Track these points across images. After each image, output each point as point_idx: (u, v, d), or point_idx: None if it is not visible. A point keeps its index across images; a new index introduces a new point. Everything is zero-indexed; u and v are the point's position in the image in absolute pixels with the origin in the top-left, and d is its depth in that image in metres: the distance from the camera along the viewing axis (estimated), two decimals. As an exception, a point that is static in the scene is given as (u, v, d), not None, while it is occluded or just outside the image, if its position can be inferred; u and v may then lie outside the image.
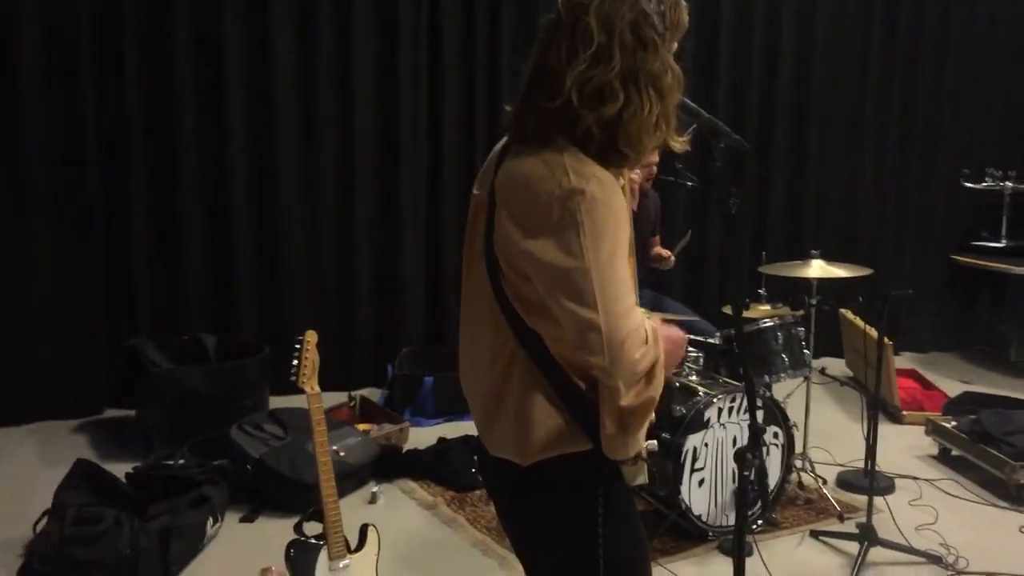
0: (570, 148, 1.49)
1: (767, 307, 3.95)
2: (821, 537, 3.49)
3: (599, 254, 1.43)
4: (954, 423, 4.27)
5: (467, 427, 4.62)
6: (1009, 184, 5.89)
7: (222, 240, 4.98)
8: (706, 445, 3.39)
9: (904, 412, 4.82)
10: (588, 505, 1.57)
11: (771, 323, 3.72)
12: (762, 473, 3.38)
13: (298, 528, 2.63)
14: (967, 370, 5.87)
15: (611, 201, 1.46)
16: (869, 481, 3.44)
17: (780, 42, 5.88)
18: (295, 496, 3.65)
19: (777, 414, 3.54)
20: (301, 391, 4.95)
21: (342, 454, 3.87)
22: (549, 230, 1.44)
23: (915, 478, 4.04)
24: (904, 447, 4.45)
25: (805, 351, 3.77)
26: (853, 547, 3.31)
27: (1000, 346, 6.02)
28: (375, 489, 3.82)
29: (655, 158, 4.20)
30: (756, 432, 1.86)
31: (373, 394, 5.06)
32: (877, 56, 6.10)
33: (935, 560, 3.27)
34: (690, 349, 3.70)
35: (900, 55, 6.14)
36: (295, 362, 2.63)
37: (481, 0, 5.27)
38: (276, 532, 3.47)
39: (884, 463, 3.97)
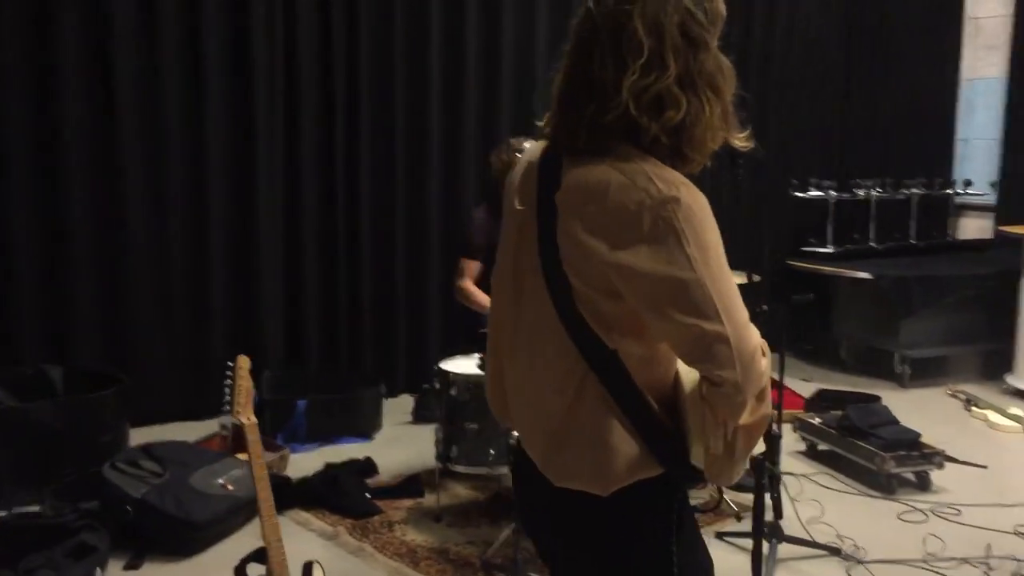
0: (641, 154, 1.44)
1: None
2: (726, 538, 3.57)
3: (709, 264, 1.37)
4: (819, 419, 4.52)
5: (347, 451, 4.45)
6: (833, 193, 6.33)
7: (59, 259, 4.52)
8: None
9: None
10: (663, 532, 1.51)
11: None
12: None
13: (240, 571, 2.40)
14: (803, 368, 6.23)
15: (705, 207, 1.41)
16: (766, 479, 3.54)
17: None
18: (183, 537, 3.38)
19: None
20: (160, 422, 4.65)
21: (230, 487, 3.60)
22: (643, 240, 1.38)
23: (792, 474, 4.24)
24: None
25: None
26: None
27: (829, 344, 6.43)
28: (268, 523, 3.57)
29: (544, 167, 4.17)
30: (774, 439, 1.87)
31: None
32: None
33: (836, 552, 3.43)
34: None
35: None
36: (227, 391, 2.40)
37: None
38: (169, 579, 3.19)
39: (764, 461, 4.14)
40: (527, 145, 4.11)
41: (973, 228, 7.36)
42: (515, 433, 3.27)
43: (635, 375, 1.46)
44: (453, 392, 3.63)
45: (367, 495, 3.87)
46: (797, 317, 6.42)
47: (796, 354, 6.50)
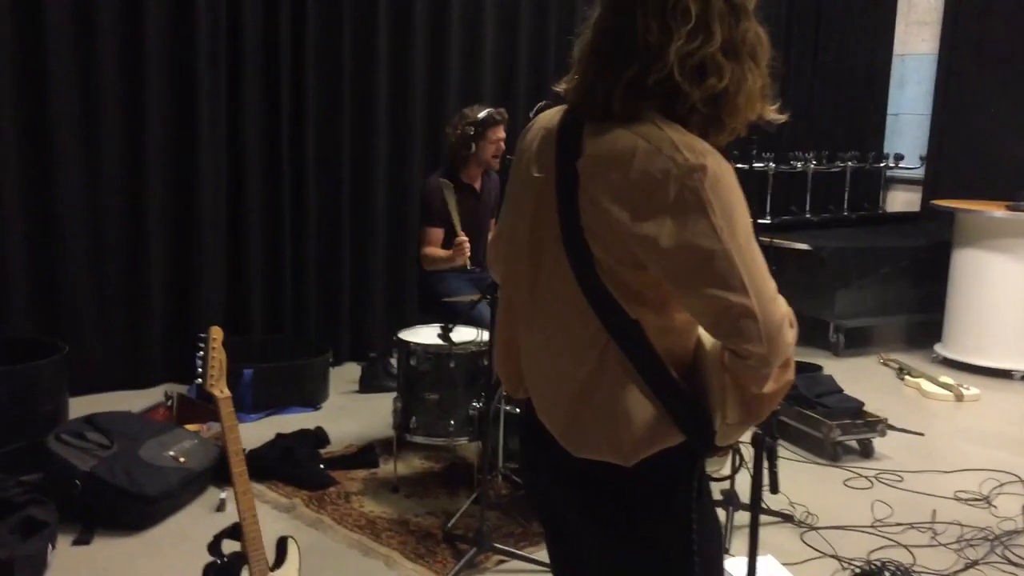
0: (668, 122, 1.40)
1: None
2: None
3: (736, 235, 1.35)
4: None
5: (295, 421, 4.37)
6: (772, 165, 6.43)
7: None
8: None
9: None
10: (684, 501, 1.50)
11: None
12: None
13: (214, 549, 2.33)
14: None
15: (732, 177, 1.38)
16: (764, 452, 3.61)
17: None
18: (135, 511, 3.28)
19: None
20: (102, 391, 4.50)
21: (182, 459, 3.50)
22: (667, 210, 1.35)
23: (741, 442, 4.30)
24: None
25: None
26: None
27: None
28: (222, 496, 3.49)
29: (502, 133, 4.13)
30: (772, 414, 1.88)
31: (178, 390, 4.61)
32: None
33: (789, 519, 3.51)
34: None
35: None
36: (200, 363, 2.31)
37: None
38: (117, 554, 3.12)
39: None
40: (481, 115, 4.09)
41: (902, 201, 7.57)
42: (510, 398, 3.23)
43: (656, 344, 1.44)
44: (413, 362, 3.58)
45: (321, 466, 3.80)
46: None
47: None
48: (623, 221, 1.38)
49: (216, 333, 2.35)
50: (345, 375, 5.11)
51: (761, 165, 6.38)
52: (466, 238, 3.96)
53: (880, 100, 7.42)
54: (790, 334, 1.39)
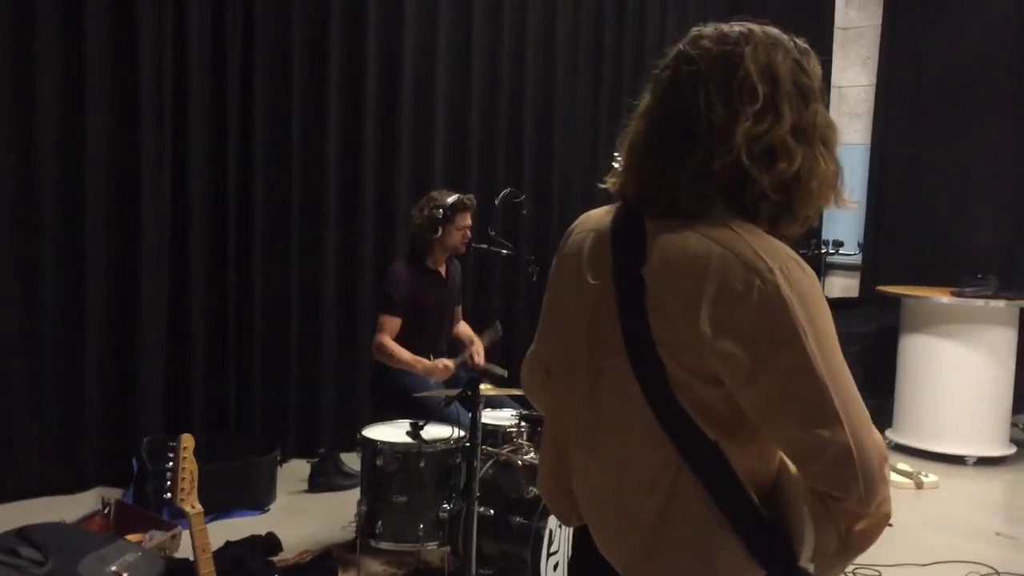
0: (737, 220, 1.30)
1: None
2: None
3: (827, 358, 1.23)
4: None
5: (243, 525, 4.08)
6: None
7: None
8: (560, 526, 3.23)
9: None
10: None
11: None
12: None
13: None
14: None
15: (818, 287, 1.28)
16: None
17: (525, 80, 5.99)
18: (74, 635, 2.95)
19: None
20: (31, 496, 4.16)
21: (125, 575, 3.19)
22: (751, 328, 1.23)
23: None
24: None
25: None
26: None
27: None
28: (173, 614, 3.19)
29: (469, 220, 4.02)
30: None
31: (112, 494, 4.28)
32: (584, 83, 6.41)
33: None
34: (524, 424, 3.54)
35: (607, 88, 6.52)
36: (169, 475, 2.09)
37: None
38: None
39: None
40: (450, 200, 3.97)
41: (840, 286, 7.68)
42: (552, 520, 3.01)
43: (737, 467, 1.30)
44: (379, 462, 3.38)
45: (276, 576, 3.53)
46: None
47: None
48: (703, 336, 1.25)
49: (187, 442, 2.15)
50: (292, 473, 4.83)
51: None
52: (452, 365, 3.82)
53: (817, 188, 7.57)
54: (887, 471, 1.27)
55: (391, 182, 5.36)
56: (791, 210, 1.33)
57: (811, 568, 1.33)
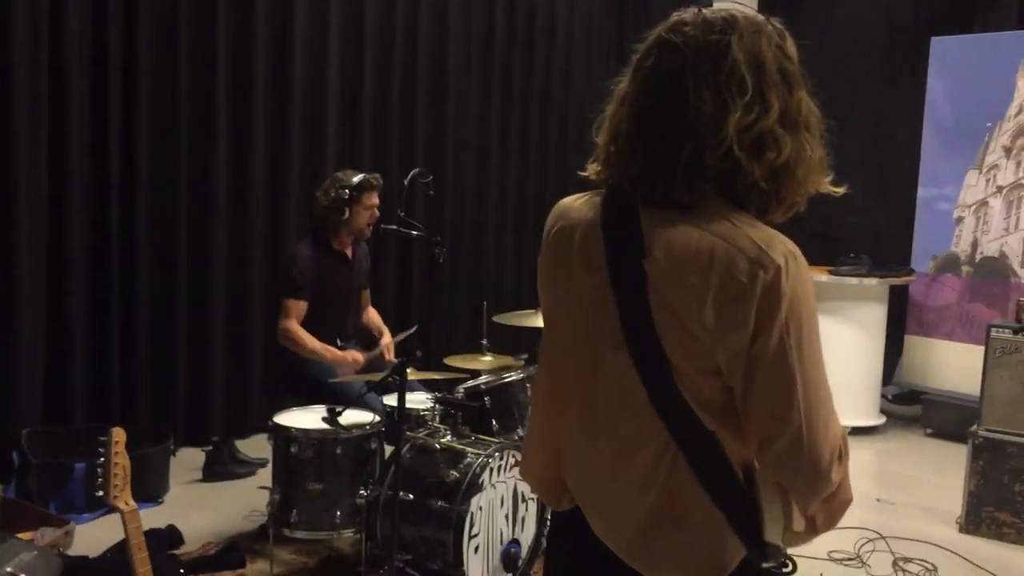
0: (735, 211, 1.31)
1: (490, 358, 3.89)
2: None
3: (804, 355, 1.28)
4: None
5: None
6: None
7: None
8: (480, 508, 3.22)
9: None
10: None
11: (518, 376, 3.66)
12: None
13: None
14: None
15: (811, 283, 1.31)
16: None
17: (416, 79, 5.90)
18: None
19: (535, 468, 3.48)
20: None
21: (22, 576, 3.00)
22: (753, 317, 1.26)
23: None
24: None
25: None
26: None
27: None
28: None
29: (376, 199, 3.92)
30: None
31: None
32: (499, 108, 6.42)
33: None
34: (439, 407, 3.51)
35: (516, 109, 6.54)
36: (100, 471, 1.96)
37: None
38: None
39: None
40: (356, 179, 3.87)
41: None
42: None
43: (733, 456, 1.34)
44: (293, 450, 3.28)
45: (181, 571, 3.38)
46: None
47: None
48: (707, 327, 1.27)
49: (119, 435, 2.02)
50: (185, 463, 4.64)
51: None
52: (362, 360, 3.73)
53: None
54: (836, 472, 1.32)
55: (281, 165, 5.18)
56: (780, 198, 1.34)
57: (780, 543, 1.37)
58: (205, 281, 4.94)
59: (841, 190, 1.43)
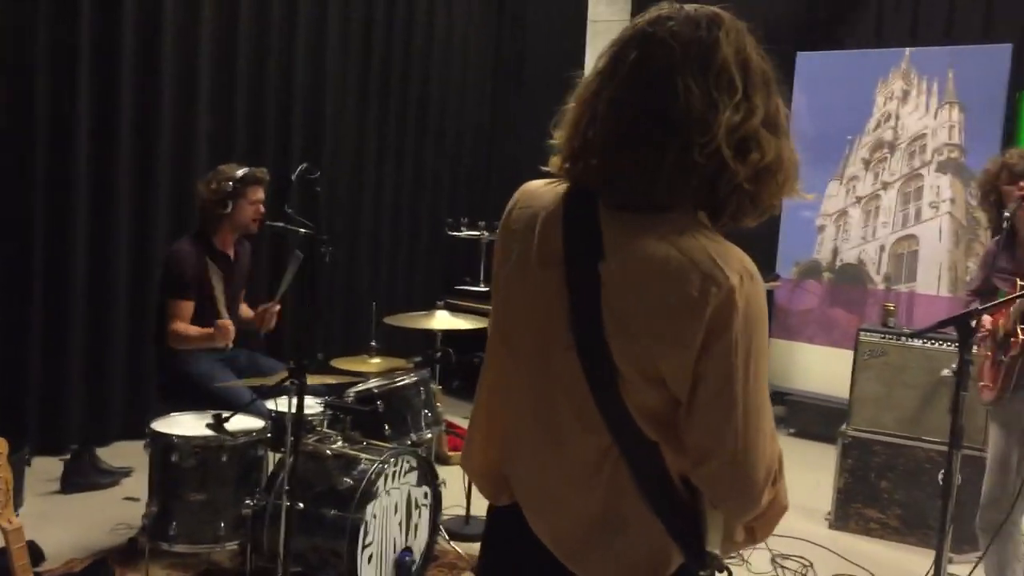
0: (701, 227, 1.29)
1: (379, 360, 3.77)
2: (472, 593, 3.43)
3: (750, 377, 1.25)
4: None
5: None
6: (486, 233, 6.50)
7: None
8: (375, 516, 3.11)
9: (450, 453, 4.99)
10: None
11: (412, 379, 3.56)
12: None
13: None
14: (462, 406, 6.24)
15: (764, 302, 1.29)
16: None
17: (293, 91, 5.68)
18: None
19: (428, 473, 3.40)
20: None
21: None
22: (703, 333, 1.23)
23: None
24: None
25: (438, 405, 3.69)
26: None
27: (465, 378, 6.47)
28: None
29: (262, 194, 3.73)
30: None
31: None
32: (377, 107, 6.27)
33: None
34: (328, 411, 3.37)
35: (394, 112, 6.41)
36: (-22, 488, 1.77)
37: None
38: None
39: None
40: (240, 172, 3.68)
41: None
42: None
43: (672, 468, 1.32)
44: (174, 458, 3.08)
45: (41, 587, 3.13)
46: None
47: (448, 392, 6.53)
48: (656, 339, 1.24)
49: (1, 447, 1.81)
50: (40, 473, 4.30)
51: (476, 233, 6.43)
52: (229, 321, 3.51)
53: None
54: (767, 495, 1.31)
55: (150, 162, 4.88)
56: (759, 200, 1.31)
57: (718, 551, 1.36)
58: (62, 278, 4.60)
59: (811, 197, 1.42)
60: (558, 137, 1.38)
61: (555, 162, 1.39)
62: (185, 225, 4.56)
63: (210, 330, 3.49)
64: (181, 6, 4.96)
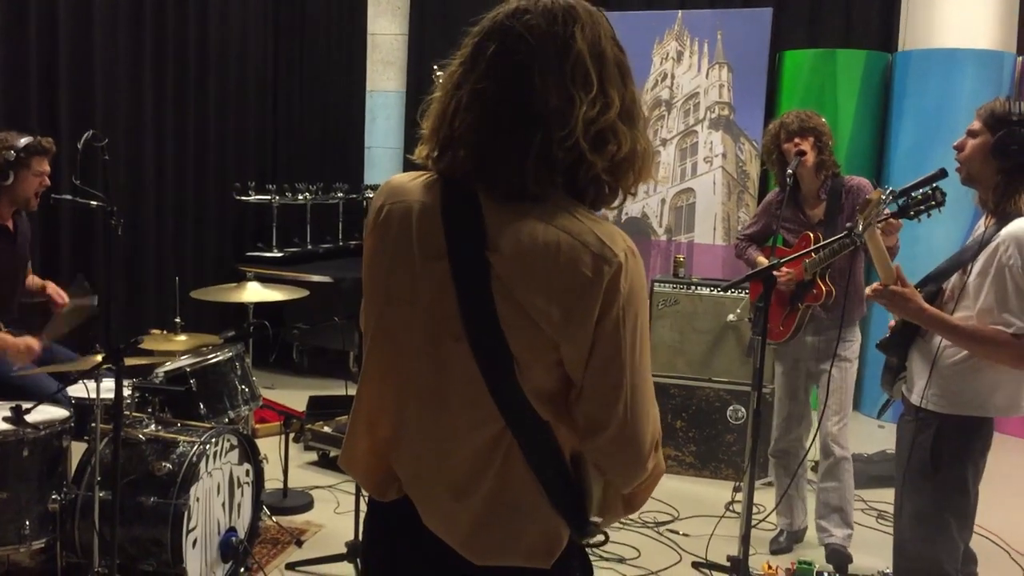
0: (576, 205, 1.34)
1: (185, 338, 3.60)
2: (298, 568, 3.39)
3: (636, 351, 1.32)
4: (330, 427, 4.51)
5: None
6: (277, 198, 6.31)
7: None
8: (198, 499, 3.01)
9: (257, 426, 4.85)
10: None
11: (226, 355, 3.43)
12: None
13: None
14: (265, 377, 6.02)
15: (644, 278, 1.35)
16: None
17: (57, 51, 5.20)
18: None
19: (249, 450, 3.31)
20: None
21: None
22: (596, 310, 1.28)
23: (330, 487, 4.18)
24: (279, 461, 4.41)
25: (253, 379, 3.58)
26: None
27: (280, 349, 6.29)
28: None
29: (47, 166, 3.44)
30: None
31: None
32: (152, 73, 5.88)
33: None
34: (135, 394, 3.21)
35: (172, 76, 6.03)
36: None
37: None
38: None
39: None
40: (23, 141, 3.38)
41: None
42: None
43: (564, 447, 1.37)
44: (-31, 457, 2.83)
45: None
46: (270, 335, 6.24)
47: (257, 365, 6.35)
48: (553, 320, 1.28)
49: None
50: None
51: (266, 198, 6.24)
52: (35, 343, 3.25)
53: (358, 134, 7.72)
54: (651, 460, 1.38)
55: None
56: (616, 189, 1.36)
57: (598, 520, 1.42)
58: None
59: (663, 181, 1.49)
60: (425, 127, 1.38)
61: (420, 152, 1.39)
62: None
63: (5, 336, 3.22)
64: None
